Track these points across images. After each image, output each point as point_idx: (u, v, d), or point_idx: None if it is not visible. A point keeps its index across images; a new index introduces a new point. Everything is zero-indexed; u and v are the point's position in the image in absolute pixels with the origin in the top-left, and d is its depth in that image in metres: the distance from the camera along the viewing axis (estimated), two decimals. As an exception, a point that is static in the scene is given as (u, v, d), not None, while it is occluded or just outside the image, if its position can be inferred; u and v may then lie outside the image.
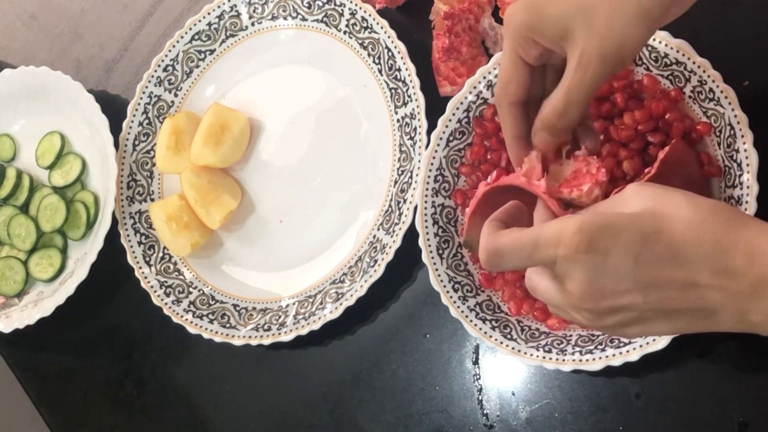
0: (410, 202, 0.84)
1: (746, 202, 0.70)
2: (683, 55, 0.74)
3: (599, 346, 0.73)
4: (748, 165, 0.71)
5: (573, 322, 0.56)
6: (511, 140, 0.62)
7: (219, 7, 0.98)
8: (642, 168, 0.74)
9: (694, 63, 0.74)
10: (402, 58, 0.88)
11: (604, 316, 0.51)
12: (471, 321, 0.78)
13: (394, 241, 0.84)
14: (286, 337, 0.86)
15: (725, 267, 0.48)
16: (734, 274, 0.48)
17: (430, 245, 0.81)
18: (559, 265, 0.50)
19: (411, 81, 0.87)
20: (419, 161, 0.85)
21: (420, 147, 0.85)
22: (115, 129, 0.97)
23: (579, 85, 0.55)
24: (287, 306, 0.89)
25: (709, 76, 0.73)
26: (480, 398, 0.81)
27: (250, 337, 0.88)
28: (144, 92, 0.99)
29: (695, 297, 0.48)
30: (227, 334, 0.89)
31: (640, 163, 0.74)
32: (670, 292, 0.49)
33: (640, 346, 0.71)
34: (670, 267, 0.48)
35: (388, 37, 0.89)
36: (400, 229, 0.84)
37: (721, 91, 0.73)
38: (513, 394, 0.80)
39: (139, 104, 0.99)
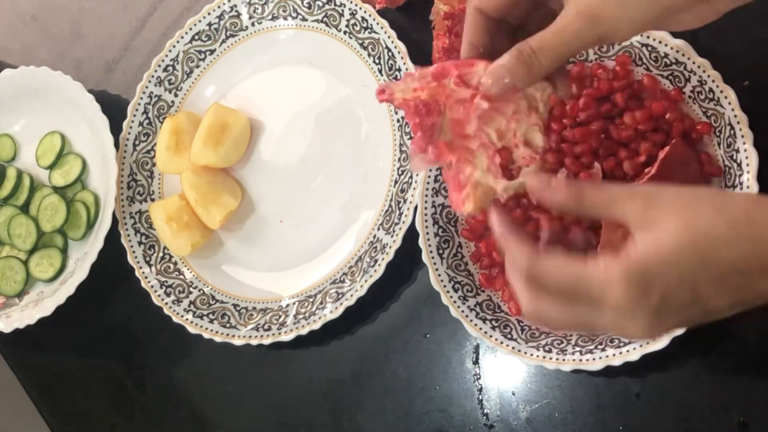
0: (410, 202, 0.84)
1: (746, 202, 0.70)
2: (683, 55, 0.74)
3: (599, 346, 0.73)
4: (748, 165, 0.71)
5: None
6: (467, 45, 0.59)
7: (219, 7, 0.98)
8: (642, 168, 0.74)
9: (694, 63, 0.74)
10: (402, 58, 0.88)
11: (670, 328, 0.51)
12: (471, 321, 0.78)
13: (394, 241, 0.84)
14: (287, 336, 0.86)
15: None
16: None
17: (430, 245, 0.81)
18: (615, 319, 0.49)
19: (411, 81, 0.87)
20: (419, 161, 0.85)
21: (420, 147, 0.85)
22: (116, 129, 0.97)
23: (558, 34, 0.54)
24: (287, 306, 0.89)
25: (709, 76, 0.73)
26: (480, 398, 0.81)
27: (250, 336, 0.88)
28: (144, 92, 0.99)
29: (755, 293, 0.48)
30: (227, 334, 0.89)
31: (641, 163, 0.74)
32: (732, 297, 0.48)
33: (640, 345, 0.71)
34: (727, 279, 0.48)
35: (388, 37, 0.89)
36: (400, 229, 0.84)
37: (721, 91, 0.73)
38: (513, 394, 0.80)
39: (139, 104, 0.99)
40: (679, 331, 0.69)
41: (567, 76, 0.59)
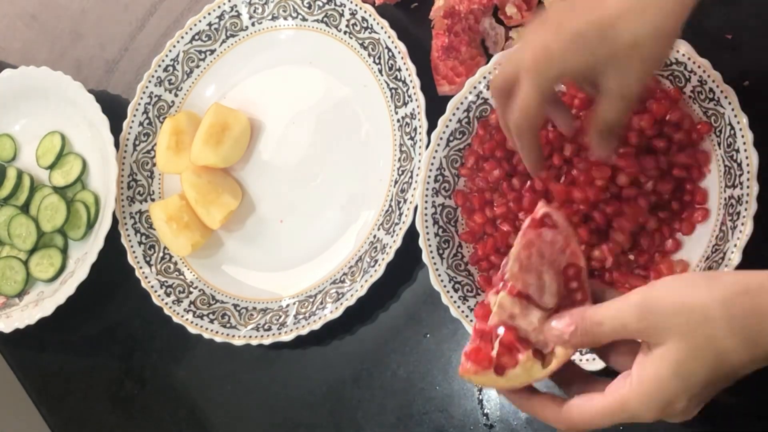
0: (410, 202, 0.84)
1: (746, 202, 0.70)
2: (683, 55, 0.74)
3: (599, 346, 0.73)
4: (748, 165, 0.71)
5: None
6: (536, 163, 0.66)
7: (219, 7, 0.98)
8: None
9: (694, 63, 0.74)
10: (402, 58, 0.88)
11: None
12: (471, 321, 0.78)
13: (394, 241, 0.84)
14: (287, 336, 0.86)
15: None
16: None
17: (430, 245, 0.81)
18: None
19: (411, 81, 0.87)
20: (419, 161, 0.85)
21: (420, 147, 0.85)
22: (116, 129, 0.97)
23: (626, 98, 0.60)
24: (287, 306, 0.89)
25: (709, 76, 0.73)
26: (480, 398, 0.81)
27: (250, 336, 0.88)
28: (144, 92, 0.99)
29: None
30: (228, 334, 0.89)
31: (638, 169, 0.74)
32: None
33: (640, 345, 0.71)
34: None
35: (389, 37, 0.89)
36: (400, 229, 0.84)
37: (721, 91, 0.73)
38: (513, 394, 0.80)
39: (139, 104, 0.99)
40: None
41: (567, 110, 0.63)
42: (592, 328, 0.53)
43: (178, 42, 0.99)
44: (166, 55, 0.99)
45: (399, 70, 0.88)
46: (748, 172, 0.70)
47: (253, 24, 0.98)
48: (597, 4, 0.57)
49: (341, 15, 0.93)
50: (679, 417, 0.51)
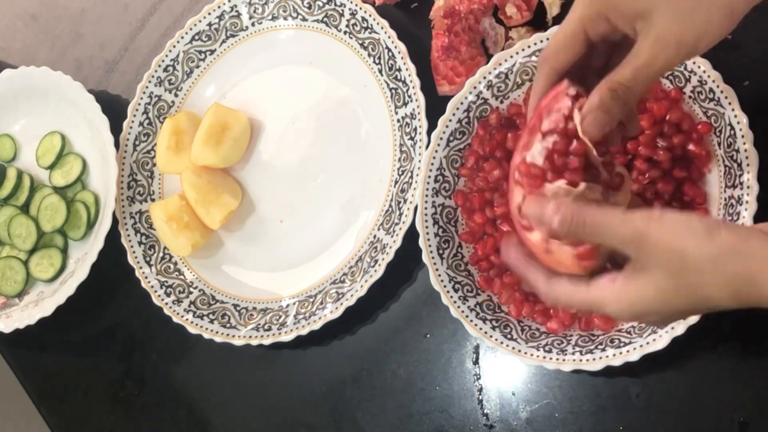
0: (410, 202, 0.84)
1: (746, 202, 0.70)
2: (683, 55, 0.74)
3: (599, 346, 0.73)
4: (748, 165, 0.71)
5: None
6: (537, 97, 0.62)
7: (219, 7, 0.98)
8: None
9: (694, 63, 0.74)
10: (402, 58, 0.88)
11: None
12: (471, 321, 0.78)
13: (394, 241, 0.84)
14: (287, 337, 0.86)
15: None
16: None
17: (430, 245, 0.81)
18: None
19: (411, 81, 0.87)
20: (419, 161, 0.85)
21: (420, 147, 0.85)
22: (116, 129, 0.97)
23: (649, 65, 0.55)
24: (287, 306, 0.89)
25: (709, 76, 0.73)
26: (480, 398, 0.81)
27: (250, 337, 0.88)
28: (144, 92, 0.99)
29: None
30: (228, 334, 0.89)
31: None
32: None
33: (641, 346, 0.71)
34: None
35: (389, 37, 0.89)
36: (400, 229, 0.84)
37: (721, 91, 0.73)
38: (513, 394, 0.80)
39: (139, 104, 0.99)
40: (680, 331, 0.69)
41: (637, 113, 0.61)
42: (583, 228, 0.54)
43: (178, 42, 0.99)
44: (166, 55, 0.99)
45: (399, 70, 0.88)
46: (748, 172, 0.70)
47: (253, 24, 0.98)
48: None
49: (341, 15, 0.93)
50: (649, 324, 0.56)
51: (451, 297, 0.79)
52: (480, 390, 0.82)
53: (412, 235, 0.82)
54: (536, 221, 0.57)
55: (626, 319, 0.57)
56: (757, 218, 0.69)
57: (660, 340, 0.70)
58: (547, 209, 0.55)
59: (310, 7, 0.95)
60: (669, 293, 0.53)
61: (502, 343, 0.76)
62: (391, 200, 0.87)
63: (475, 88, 0.82)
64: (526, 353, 0.75)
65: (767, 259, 0.49)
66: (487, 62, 0.83)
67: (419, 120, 0.86)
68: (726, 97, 0.72)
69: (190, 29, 0.99)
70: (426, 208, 0.82)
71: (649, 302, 0.53)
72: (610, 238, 0.54)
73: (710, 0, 0.53)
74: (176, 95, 1.00)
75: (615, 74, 0.56)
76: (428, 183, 0.82)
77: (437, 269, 0.80)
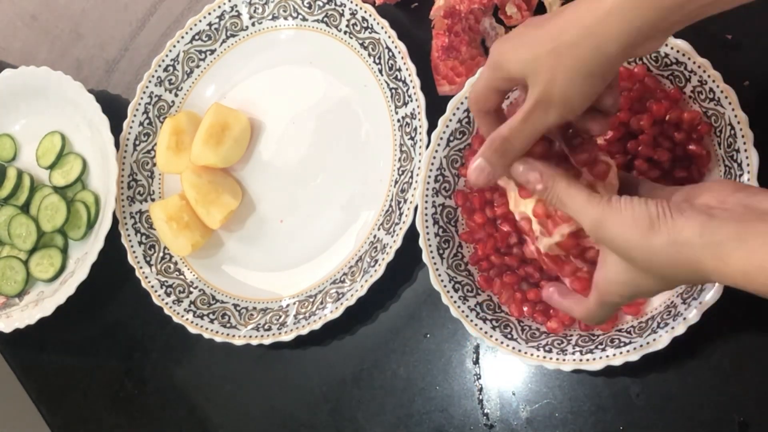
0: (411, 202, 0.84)
1: (746, 202, 0.70)
2: (683, 55, 0.74)
3: (600, 346, 0.73)
4: (748, 165, 0.71)
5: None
6: (485, 135, 0.66)
7: (219, 7, 0.98)
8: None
9: (694, 63, 0.74)
10: (402, 58, 0.88)
11: None
12: (471, 321, 0.78)
13: (394, 241, 0.84)
14: (287, 336, 0.86)
15: None
16: None
17: (430, 245, 0.81)
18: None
19: (411, 81, 0.87)
20: (420, 161, 0.85)
21: (420, 147, 0.85)
22: (116, 129, 0.97)
23: (526, 122, 0.59)
24: (288, 306, 0.89)
25: (709, 76, 0.73)
26: (480, 398, 0.81)
27: (250, 336, 0.88)
28: (144, 92, 0.99)
29: None
30: (228, 334, 0.89)
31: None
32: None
33: (641, 345, 0.71)
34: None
35: (389, 37, 0.89)
36: (400, 229, 0.84)
37: (721, 91, 0.73)
38: (513, 394, 0.80)
39: (139, 104, 0.99)
40: (680, 331, 0.69)
41: (616, 89, 0.62)
42: (558, 199, 0.60)
43: (178, 42, 0.99)
44: (166, 55, 0.99)
45: (399, 70, 0.88)
46: (748, 172, 0.70)
47: (253, 24, 0.98)
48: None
49: (341, 15, 0.93)
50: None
51: (451, 297, 0.79)
52: (480, 390, 0.82)
53: (412, 235, 0.82)
54: (525, 183, 0.62)
55: (624, 298, 0.61)
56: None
57: (660, 340, 0.70)
58: (531, 176, 0.60)
59: (310, 7, 0.95)
60: (637, 279, 0.57)
61: (502, 342, 0.76)
62: (391, 200, 0.87)
63: (475, 88, 0.82)
64: (526, 353, 0.75)
65: (704, 246, 0.51)
66: (487, 62, 0.83)
67: (419, 120, 0.86)
68: (726, 97, 0.72)
69: (191, 29, 0.99)
70: (426, 208, 0.82)
71: (624, 285, 0.58)
72: (576, 219, 0.59)
73: (586, 69, 0.55)
74: (176, 95, 1.00)
75: (498, 129, 0.61)
76: (428, 183, 0.82)
77: (437, 269, 0.80)
